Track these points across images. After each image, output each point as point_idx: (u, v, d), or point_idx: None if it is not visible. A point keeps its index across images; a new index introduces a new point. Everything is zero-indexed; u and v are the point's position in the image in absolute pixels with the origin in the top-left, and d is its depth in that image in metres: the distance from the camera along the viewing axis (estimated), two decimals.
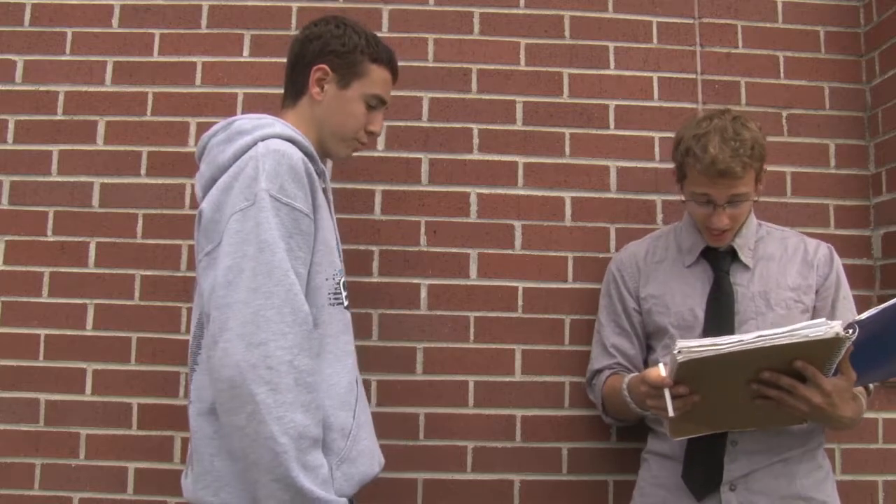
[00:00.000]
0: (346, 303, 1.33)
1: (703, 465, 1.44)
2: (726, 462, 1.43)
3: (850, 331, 1.18)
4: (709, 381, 1.25)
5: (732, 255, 1.56)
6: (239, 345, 1.09)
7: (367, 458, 1.28)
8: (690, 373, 1.23)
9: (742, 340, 1.18)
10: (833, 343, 1.19)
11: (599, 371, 1.66)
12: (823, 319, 1.19)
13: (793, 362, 1.23)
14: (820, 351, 1.22)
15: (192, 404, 1.23)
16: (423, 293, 1.83)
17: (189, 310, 1.79)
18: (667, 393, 1.25)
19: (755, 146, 1.43)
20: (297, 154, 1.22)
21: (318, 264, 1.24)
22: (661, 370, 1.29)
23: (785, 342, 1.17)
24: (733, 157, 1.40)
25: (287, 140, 1.25)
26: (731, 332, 1.46)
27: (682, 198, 1.53)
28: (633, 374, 1.52)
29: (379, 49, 1.40)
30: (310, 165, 1.24)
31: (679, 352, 1.18)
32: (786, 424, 1.42)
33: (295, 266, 1.16)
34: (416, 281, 1.84)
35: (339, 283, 1.30)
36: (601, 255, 1.83)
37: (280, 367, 1.09)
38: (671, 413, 1.24)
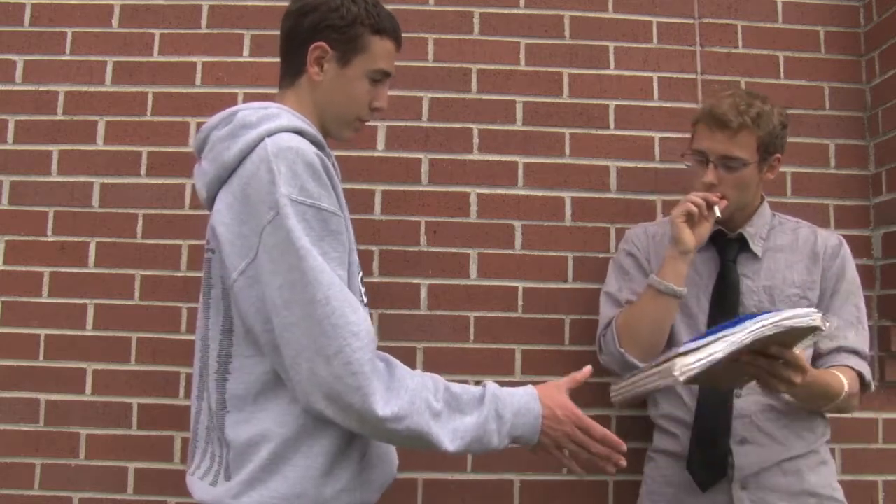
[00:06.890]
0: (365, 300, 1.26)
1: (708, 457, 1.45)
2: (736, 460, 1.44)
3: (828, 324, 1.20)
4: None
5: (741, 243, 1.55)
6: (320, 361, 1.05)
7: (386, 462, 1.25)
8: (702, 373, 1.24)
9: (734, 342, 1.17)
10: (807, 331, 1.22)
11: (611, 322, 1.58)
12: (810, 310, 1.19)
13: (769, 346, 1.24)
14: (793, 337, 1.23)
15: (228, 414, 1.15)
16: (423, 293, 1.83)
17: (189, 309, 1.79)
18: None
19: (761, 114, 1.44)
20: (310, 148, 1.12)
21: (353, 264, 1.17)
22: None
23: (772, 333, 1.18)
24: (731, 109, 1.43)
25: (296, 132, 1.16)
26: None
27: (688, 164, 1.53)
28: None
29: (381, 18, 1.26)
30: (325, 159, 1.14)
31: (681, 374, 1.17)
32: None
33: (333, 270, 1.10)
34: (416, 281, 1.84)
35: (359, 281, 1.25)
36: (601, 255, 1.83)
37: (364, 369, 1.05)
38: None
